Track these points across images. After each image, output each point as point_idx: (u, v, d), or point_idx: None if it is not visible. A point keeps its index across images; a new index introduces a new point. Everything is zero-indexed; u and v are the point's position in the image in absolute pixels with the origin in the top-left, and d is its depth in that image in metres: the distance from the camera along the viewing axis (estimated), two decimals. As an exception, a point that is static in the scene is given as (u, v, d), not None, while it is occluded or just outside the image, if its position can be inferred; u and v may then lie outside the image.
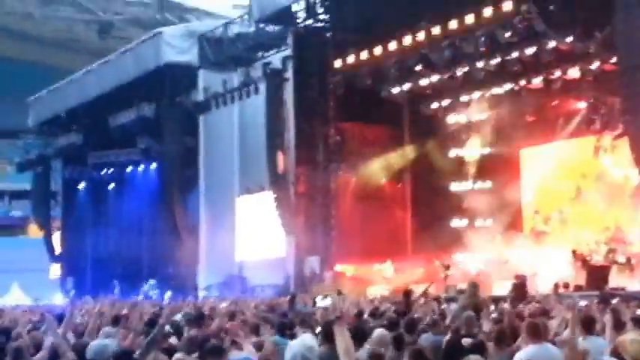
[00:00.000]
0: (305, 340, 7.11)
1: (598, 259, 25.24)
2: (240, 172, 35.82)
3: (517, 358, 9.32)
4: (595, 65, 26.95)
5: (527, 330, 9.71)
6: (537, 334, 9.55)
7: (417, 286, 26.67)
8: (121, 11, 44.82)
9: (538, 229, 29.99)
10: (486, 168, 32.47)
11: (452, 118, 32.92)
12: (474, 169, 32.93)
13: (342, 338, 7.18)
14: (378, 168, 33.50)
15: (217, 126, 37.45)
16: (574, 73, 27.72)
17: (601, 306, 15.31)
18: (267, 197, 32.52)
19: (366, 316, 15.16)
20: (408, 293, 17.62)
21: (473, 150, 33.02)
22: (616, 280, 24.06)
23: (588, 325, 10.49)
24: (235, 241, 35.50)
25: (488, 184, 32.43)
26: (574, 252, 26.12)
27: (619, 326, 10.92)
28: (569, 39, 26.12)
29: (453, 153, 33.35)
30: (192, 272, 36.69)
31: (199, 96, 37.66)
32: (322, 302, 22.21)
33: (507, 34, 26.41)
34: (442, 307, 16.61)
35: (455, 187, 33.24)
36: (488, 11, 26.34)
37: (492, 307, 16.01)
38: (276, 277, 32.09)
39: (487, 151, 32.52)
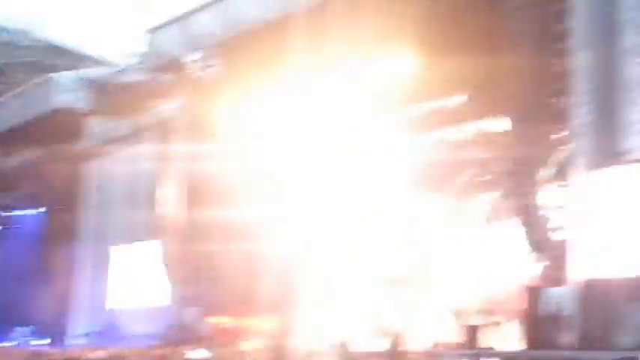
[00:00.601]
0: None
1: (475, 318, 25.16)
2: (123, 220, 35.07)
3: None
4: (484, 126, 27.17)
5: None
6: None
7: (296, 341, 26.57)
8: (13, 55, 44.03)
9: (419, 285, 29.89)
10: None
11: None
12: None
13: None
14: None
15: (104, 174, 36.79)
16: (463, 132, 27.95)
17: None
18: (150, 246, 31.92)
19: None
20: (282, 347, 17.39)
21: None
22: (492, 339, 23.95)
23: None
24: (112, 289, 34.66)
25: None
26: (452, 310, 26.08)
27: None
28: (459, 99, 26.43)
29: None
30: (67, 320, 35.77)
31: (88, 143, 37.06)
32: (195, 354, 21.74)
33: (395, 91, 26.62)
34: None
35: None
36: (375, 68, 26.49)
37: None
38: (154, 327, 31.32)
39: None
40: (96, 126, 36.96)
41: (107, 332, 32.91)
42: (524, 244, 23.02)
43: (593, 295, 21.35)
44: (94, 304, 34.90)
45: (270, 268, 31.62)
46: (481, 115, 26.76)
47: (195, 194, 31.97)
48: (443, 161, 29.21)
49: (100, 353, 23.76)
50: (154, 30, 32.85)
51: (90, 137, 37.10)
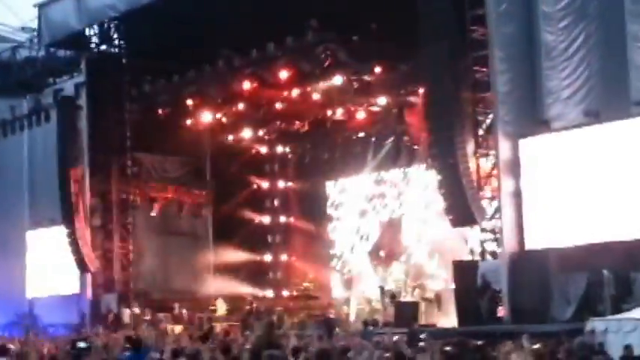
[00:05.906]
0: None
1: (406, 296, 24.92)
2: (30, 204, 33.60)
3: None
4: (400, 98, 26.82)
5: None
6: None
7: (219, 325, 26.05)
8: None
9: (349, 267, 29.76)
10: (291, 201, 32.16)
11: (254, 150, 32.12)
12: (279, 202, 32.57)
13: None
14: (177, 201, 32.39)
15: (5, 155, 35.19)
16: (379, 105, 27.65)
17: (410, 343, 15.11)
18: (60, 231, 30.61)
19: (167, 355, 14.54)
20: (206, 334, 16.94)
21: (277, 182, 32.55)
22: (425, 316, 23.78)
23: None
24: (26, 277, 33.30)
25: (291, 218, 32.17)
26: (382, 288, 25.80)
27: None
28: (376, 70, 25.85)
29: (255, 185, 32.70)
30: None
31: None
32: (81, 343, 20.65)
33: (309, 65, 25.93)
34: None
35: (259, 220, 32.64)
36: (289, 41, 25.72)
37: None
38: (70, 316, 30.22)
39: (290, 184, 32.24)
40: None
41: (22, 323, 31.42)
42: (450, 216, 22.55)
43: (526, 267, 21.22)
44: (5, 293, 33.23)
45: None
46: (399, 87, 26.37)
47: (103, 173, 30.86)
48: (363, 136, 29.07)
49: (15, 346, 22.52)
50: (47, 3, 31.14)
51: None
